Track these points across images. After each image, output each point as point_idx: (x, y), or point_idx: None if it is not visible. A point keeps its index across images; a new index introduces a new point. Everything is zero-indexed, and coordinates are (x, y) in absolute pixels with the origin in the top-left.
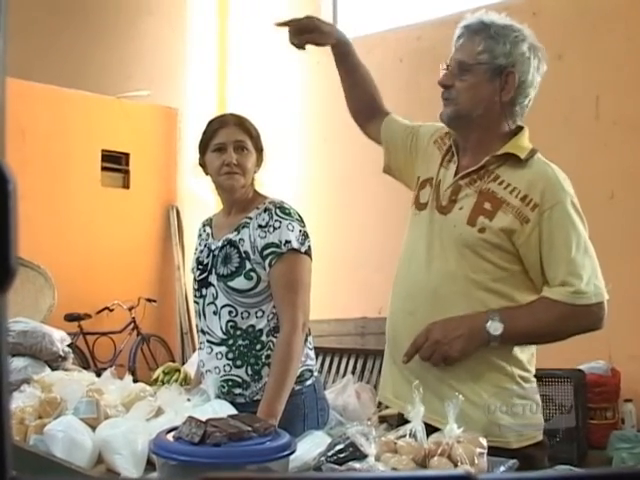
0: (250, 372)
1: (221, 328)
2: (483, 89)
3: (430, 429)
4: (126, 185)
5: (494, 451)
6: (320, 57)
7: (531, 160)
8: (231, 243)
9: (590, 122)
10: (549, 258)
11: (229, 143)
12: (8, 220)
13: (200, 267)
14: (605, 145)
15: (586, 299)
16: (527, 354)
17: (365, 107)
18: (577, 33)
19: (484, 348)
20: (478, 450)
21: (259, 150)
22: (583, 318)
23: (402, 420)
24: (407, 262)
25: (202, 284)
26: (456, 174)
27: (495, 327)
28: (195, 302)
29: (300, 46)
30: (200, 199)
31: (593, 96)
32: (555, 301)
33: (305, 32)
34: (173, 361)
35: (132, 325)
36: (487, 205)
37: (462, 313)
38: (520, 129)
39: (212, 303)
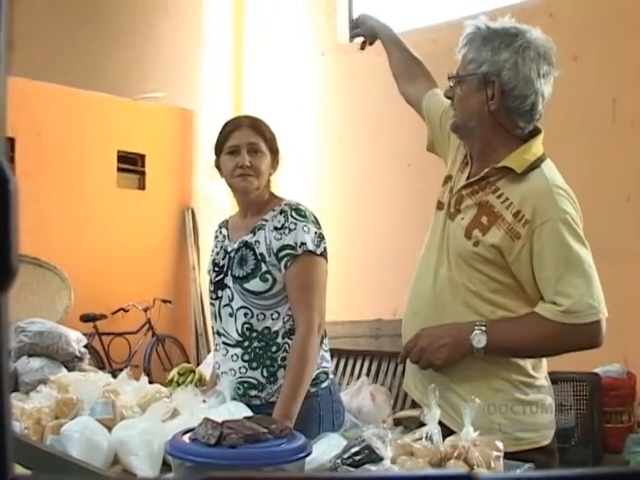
0: (266, 374)
1: (237, 330)
2: (472, 100)
3: (445, 432)
4: (142, 186)
5: None
6: (335, 58)
7: (530, 173)
8: (247, 245)
9: (607, 124)
10: (539, 277)
11: (242, 145)
12: (8, 220)
13: (216, 269)
14: (622, 147)
15: (575, 318)
16: (532, 360)
17: (405, 68)
18: (594, 34)
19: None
20: (494, 453)
21: (274, 152)
22: (574, 337)
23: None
24: (422, 262)
25: (218, 286)
26: (467, 180)
27: (479, 340)
28: (211, 304)
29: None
30: (216, 201)
31: (610, 98)
32: (544, 318)
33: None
34: (188, 362)
35: (147, 326)
36: (484, 219)
37: (460, 319)
38: (535, 134)
39: (228, 305)
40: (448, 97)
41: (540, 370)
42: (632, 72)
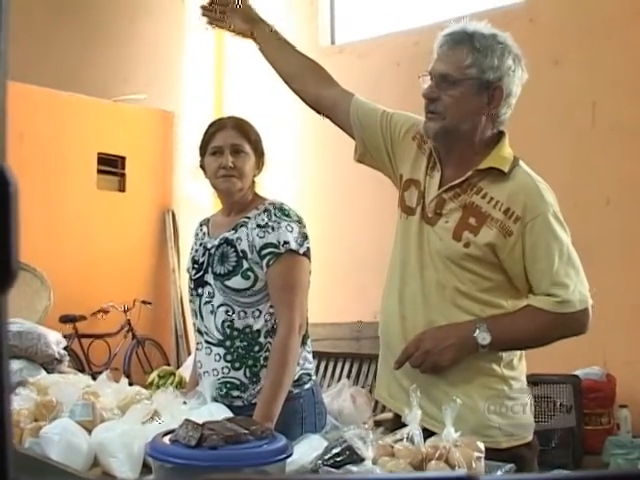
0: (248, 374)
1: (217, 328)
2: (471, 103)
3: (426, 433)
4: (122, 188)
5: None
6: (317, 60)
7: (513, 171)
8: (228, 242)
9: (586, 128)
10: (533, 270)
11: (226, 146)
12: (9, 222)
13: (196, 266)
14: (601, 151)
15: (570, 307)
16: (517, 356)
17: (311, 68)
18: (574, 39)
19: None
20: (476, 454)
21: (259, 153)
22: (568, 325)
23: (397, 424)
24: (400, 267)
25: (198, 283)
26: (440, 184)
27: (483, 337)
28: (191, 301)
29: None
30: (196, 203)
31: (589, 102)
32: (540, 309)
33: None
34: (168, 365)
35: (127, 328)
36: (472, 220)
37: (451, 320)
38: (500, 135)
39: (209, 302)
40: (430, 98)
41: (521, 364)
42: (612, 76)
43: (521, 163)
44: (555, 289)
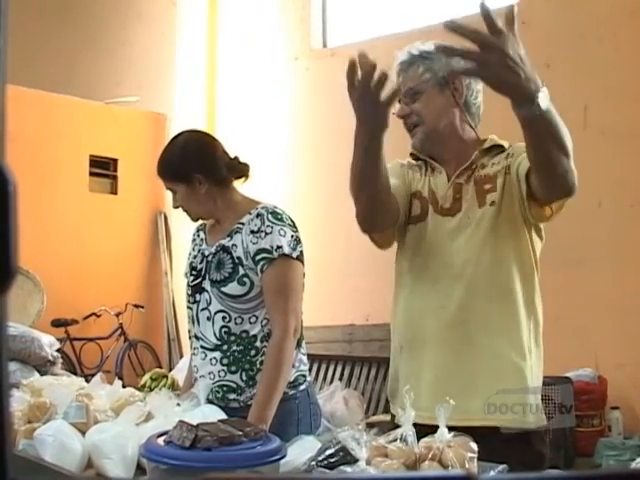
0: (244, 377)
1: (214, 334)
2: (439, 102)
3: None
4: (114, 191)
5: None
6: (308, 63)
7: (511, 147)
8: (224, 249)
9: (578, 131)
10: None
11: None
12: (8, 221)
13: (194, 273)
14: (593, 154)
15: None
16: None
17: (388, 213)
18: (566, 42)
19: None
20: (469, 454)
21: (182, 177)
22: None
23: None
24: (426, 267)
25: (196, 290)
26: (448, 178)
27: (544, 98)
28: (188, 307)
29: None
30: None
31: (581, 105)
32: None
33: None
34: (160, 367)
35: (119, 331)
36: (486, 186)
37: (493, 285)
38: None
39: (206, 309)
40: (403, 116)
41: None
42: (603, 80)
43: None
44: None
